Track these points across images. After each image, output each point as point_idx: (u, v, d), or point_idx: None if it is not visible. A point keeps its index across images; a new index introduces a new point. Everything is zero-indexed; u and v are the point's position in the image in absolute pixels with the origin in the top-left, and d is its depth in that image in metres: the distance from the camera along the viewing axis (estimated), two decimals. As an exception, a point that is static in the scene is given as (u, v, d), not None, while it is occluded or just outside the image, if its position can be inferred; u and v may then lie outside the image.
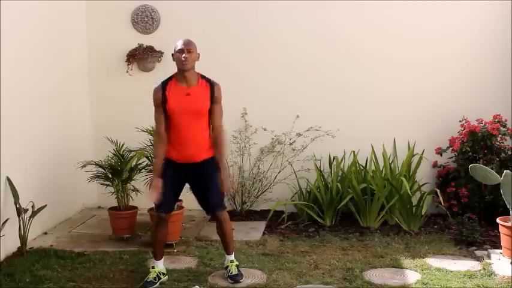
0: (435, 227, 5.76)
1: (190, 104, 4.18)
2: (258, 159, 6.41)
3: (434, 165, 6.18)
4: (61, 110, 5.98)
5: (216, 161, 4.34)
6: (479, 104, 6.05)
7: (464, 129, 5.79)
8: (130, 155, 5.37)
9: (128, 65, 6.42)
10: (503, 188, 4.72)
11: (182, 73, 4.22)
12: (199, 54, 4.27)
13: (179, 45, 4.22)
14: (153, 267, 4.39)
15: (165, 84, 4.25)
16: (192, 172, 4.31)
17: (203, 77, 4.30)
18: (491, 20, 6.12)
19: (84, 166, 5.36)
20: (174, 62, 4.27)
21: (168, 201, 4.40)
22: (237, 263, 4.49)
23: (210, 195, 4.35)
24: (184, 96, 4.19)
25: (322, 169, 6.20)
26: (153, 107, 4.28)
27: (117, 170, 5.31)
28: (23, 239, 5.00)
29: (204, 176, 4.32)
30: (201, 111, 4.22)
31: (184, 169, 4.30)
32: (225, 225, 4.44)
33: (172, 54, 4.27)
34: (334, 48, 6.30)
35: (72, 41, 6.32)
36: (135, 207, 5.51)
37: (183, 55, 4.16)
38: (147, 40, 6.44)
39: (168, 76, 4.32)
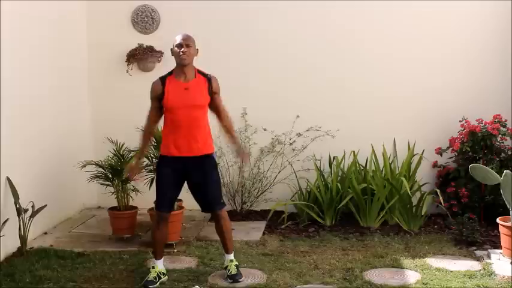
0: (435, 227, 5.76)
1: (188, 98, 4.23)
2: (258, 159, 6.41)
3: (434, 165, 6.18)
4: (61, 110, 5.99)
5: (214, 159, 4.40)
6: (479, 104, 6.05)
7: (464, 129, 5.79)
8: (130, 155, 5.36)
9: (128, 65, 6.42)
10: (503, 188, 4.71)
11: (181, 68, 4.28)
12: (198, 49, 4.32)
13: (178, 39, 4.26)
14: (153, 267, 4.40)
15: (163, 79, 4.31)
16: (191, 168, 4.31)
17: (200, 71, 4.36)
18: (491, 19, 6.12)
19: (84, 166, 5.36)
20: (173, 58, 4.32)
21: (167, 200, 4.41)
22: (237, 263, 4.49)
23: (208, 193, 4.36)
24: (183, 90, 4.24)
25: (322, 169, 6.20)
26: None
27: (117, 170, 5.31)
28: (23, 239, 5.00)
29: (203, 172, 4.33)
30: (199, 104, 4.26)
31: (182, 164, 4.29)
32: (224, 222, 4.45)
33: (172, 49, 4.31)
34: (334, 48, 6.30)
35: (72, 41, 6.32)
36: (135, 207, 5.50)
37: (182, 49, 4.20)
38: (147, 40, 6.44)
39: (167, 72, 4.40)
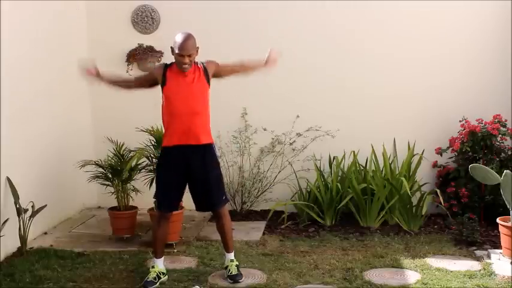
0: (435, 227, 5.76)
1: (187, 83, 4.27)
2: (258, 159, 6.41)
3: (434, 165, 6.17)
4: (61, 110, 5.99)
5: (216, 155, 4.41)
6: (479, 104, 6.05)
7: (464, 129, 5.79)
8: (130, 155, 5.36)
9: (128, 65, 6.41)
10: (503, 188, 4.72)
11: None
12: (198, 48, 4.31)
13: (179, 47, 4.20)
14: (153, 267, 4.40)
15: (167, 66, 4.37)
16: (192, 160, 4.29)
17: (195, 62, 4.38)
18: (491, 19, 6.12)
19: (83, 166, 5.36)
20: (173, 57, 4.32)
21: (168, 200, 4.41)
22: (237, 263, 4.50)
23: (208, 189, 4.35)
24: (183, 77, 4.28)
25: (322, 169, 6.20)
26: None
27: (117, 170, 5.31)
28: (23, 239, 5.00)
29: (204, 165, 4.31)
30: (197, 90, 4.29)
31: (183, 156, 4.28)
32: (225, 221, 4.45)
33: (172, 49, 4.29)
34: (334, 48, 6.30)
35: (72, 40, 6.31)
36: (135, 207, 5.50)
37: (184, 61, 4.22)
38: (147, 40, 6.44)
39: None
